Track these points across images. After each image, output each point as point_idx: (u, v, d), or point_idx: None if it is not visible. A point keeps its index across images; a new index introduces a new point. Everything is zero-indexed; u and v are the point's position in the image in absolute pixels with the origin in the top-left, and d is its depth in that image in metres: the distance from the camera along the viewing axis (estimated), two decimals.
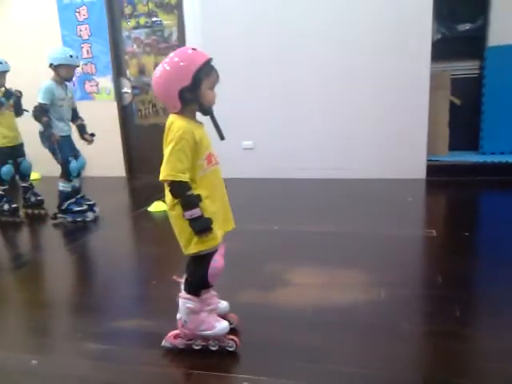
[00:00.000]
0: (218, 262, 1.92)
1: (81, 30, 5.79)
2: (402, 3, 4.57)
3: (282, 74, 5.01)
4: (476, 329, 2.15)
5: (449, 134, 5.05)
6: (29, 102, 4.14)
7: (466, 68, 5.15)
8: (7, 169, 4.29)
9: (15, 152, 4.39)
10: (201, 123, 1.94)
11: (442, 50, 4.88)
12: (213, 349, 1.99)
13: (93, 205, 4.21)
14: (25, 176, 4.52)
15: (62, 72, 3.90)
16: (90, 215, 4.12)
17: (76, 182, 4.12)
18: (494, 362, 1.83)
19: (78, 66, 4.05)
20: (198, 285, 1.96)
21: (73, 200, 4.11)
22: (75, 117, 4.13)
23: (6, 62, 4.23)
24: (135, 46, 5.77)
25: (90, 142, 4.15)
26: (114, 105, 5.90)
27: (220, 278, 2.04)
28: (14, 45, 5.94)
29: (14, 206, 4.35)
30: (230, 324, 2.13)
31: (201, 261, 1.91)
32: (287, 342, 2.05)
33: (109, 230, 3.98)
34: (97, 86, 5.90)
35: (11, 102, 4.29)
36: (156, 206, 4.21)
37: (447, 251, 3.02)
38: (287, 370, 1.85)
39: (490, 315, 2.22)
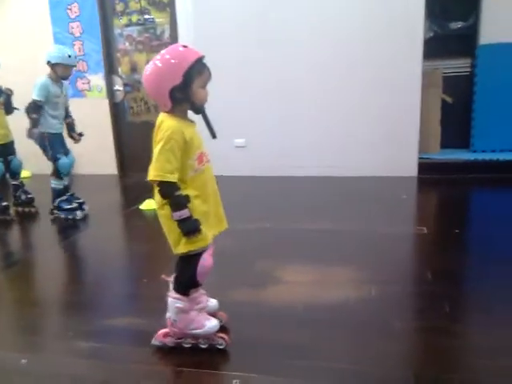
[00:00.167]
0: (206, 260, 1.90)
1: (72, 28, 5.76)
2: (394, 1, 4.58)
3: (274, 71, 5.01)
4: (466, 325, 2.16)
5: (440, 131, 5.07)
6: (20, 100, 4.11)
7: (458, 66, 5.17)
8: None
9: (6, 150, 4.35)
10: (192, 122, 1.91)
11: (434, 48, 4.91)
12: (203, 347, 1.99)
13: (82, 203, 4.20)
14: (15, 174, 4.49)
15: (59, 70, 3.89)
16: (79, 214, 4.10)
17: (65, 180, 4.10)
18: (484, 358, 1.85)
19: (74, 66, 4.04)
20: (187, 284, 1.95)
21: (64, 198, 4.10)
22: (66, 115, 4.12)
23: None
24: (127, 44, 5.74)
25: (77, 141, 4.15)
26: (106, 102, 5.87)
27: (211, 276, 2.03)
28: (4, 42, 5.92)
29: (5, 204, 4.32)
30: (220, 322, 2.13)
31: (190, 260, 1.90)
32: (278, 339, 2.05)
33: (100, 228, 3.97)
34: (88, 83, 5.87)
35: (1, 99, 4.25)
36: (147, 204, 4.19)
37: (438, 248, 3.03)
38: (278, 367, 1.85)
39: (479, 311, 2.23)
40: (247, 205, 4.26)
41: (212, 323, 1.98)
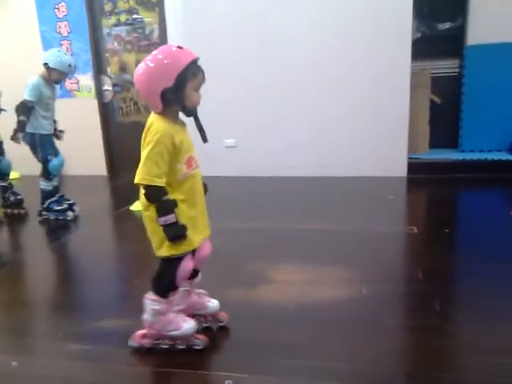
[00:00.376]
0: (187, 264, 1.89)
1: (60, 27, 5.71)
2: (382, 2, 4.60)
3: (264, 71, 5.02)
4: (456, 324, 2.18)
5: (429, 132, 5.11)
6: (5, 100, 4.08)
7: (446, 66, 5.21)
8: None
9: None
10: (183, 124, 1.89)
11: (422, 49, 4.94)
12: (180, 347, 1.98)
13: (72, 204, 4.17)
14: (4, 175, 4.46)
15: (54, 75, 3.85)
16: (70, 214, 4.08)
17: (55, 181, 4.07)
18: (475, 357, 1.87)
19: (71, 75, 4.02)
20: (167, 287, 1.93)
21: (54, 199, 4.07)
22: None
23: None
24: (116, 44, 5.71)
25: (60, 138, 4.10)
26: (95, 102, 5.83)
27: (202, 276, 2.04)
28: None
29: None
30: (221, 322, 2.15)
31: (171, 263, 1.88)
32: (270, 339, 2.05)
33: (90, 229, 3.94)
34: (77, 83, 5.83)
35: None
36: (138, 205, 4.12)
37: (428, 248, 3.05)
38: (269, 366, 1.85)
39: (470, 310, 2.25)
40: (238, 205, 4.26)
41: (189, 325, 1.97)
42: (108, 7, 5.60)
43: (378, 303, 2.35)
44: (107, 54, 5.77)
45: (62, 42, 5.71)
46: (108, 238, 3.92)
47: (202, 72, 1.80)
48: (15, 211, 4.44)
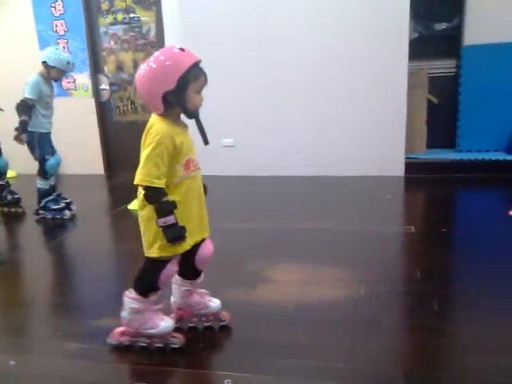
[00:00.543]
0: (170, 269, 1.89)
1: (56, 26, 5.69)
2: (379, 2, 4.61)
3: (263, 71, 5.01)
4: (454, 323, 2.18)
5: (426, 131, 5.11)
6: (3, 99, 4.06)
7: (443, 67, 5.21)
8: None
9: None
10: (185, 125, 1.89)
11: (419, 49, 4.94)
12: (158, 345, 1.99)
13: (69, 203, 4.16)
14: (1, 174, 4.43)
15: (53, 73, 3.84)
16: (67, 213, 4.07)
17: (52, 180, 4.06)
18: (473, 356, 1.87)
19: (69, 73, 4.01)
20: (147, 287, 1.93)
21: (51, 197, 4.06)
22: None
23: None
24: (113, 43, 5.69)
25: None
26: (92, 101, 5.82)
27: (204, 275, 2.04)
28: None
29: None
30: (222, 321, 2.14)
31: (156, 264, 1.88)
32: (269, 338, 2.05)
33: (88, 228, 3.93)
34: (74, 82, 5.81)
35: None
36: (135, 204, 4.14)
37: (426, 247, 3.06)
38: (269, 366, 1.85)
39: (468, 310, 2.26)
40: (236, 205, 4.25)
41: (166, 323, 1.97)
42: (105, 6, 5.59)
43: (377, 303, 2.35)
44: (104, 53, 5.76)
45: (59, 41, 5.69)
46: (105, 237, 3.91)
47: (204, 74, 1.79)
48: (12, 210, 4.42)
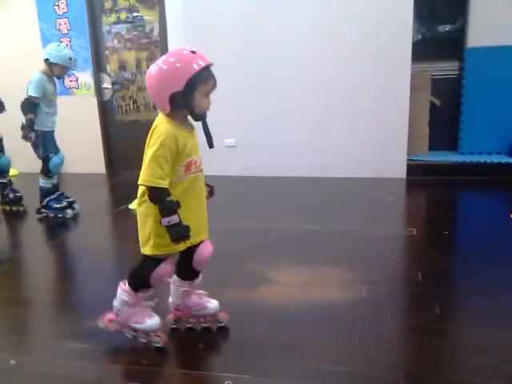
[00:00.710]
0: (163, 268, 1.89)
1: (60, 24, 5.70)
2: (383, 4, 4.61)
3: (265, 71, 5.01)
4: (455, 325, 2.17)
5: (429, 133, 5.11)
6: (6, 98, 4.06)
7: (446, 69, 5.21)
8: None
9: None
10: (192, 127, 1.89)
11: (423, 51, 4.94)
12: (142, 340, 2.02)
13: (72, 202, 4.17)
14: (3, 172, 4.43)
15: (56, 70, 3.85)
16: (69, 212, 4.07)
17: (54, 179, 4.07)
18: (474, 358, 1.86)
19: (72, 69, 4.01)
20: (139, 283, 1.95)
21: (53, 196, 4.07)
22: None
23: None
24: (116, 41, 5.70)
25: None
26: (94, 100, 5.82)
27: (203, 276, 2.03)
28: None
29: None
30: (220, 322, 2.14)
31: (150, 262, 1.89)
32: (269, 340, 2.05)
33: (89, 227, 3.94)
34: (76, 81, 5.82)
35: None
36: (136, 203, 4.16)
37: (427, 249, 3.05)
38: (269, 368, 1.85)
39: (469, 312, 2.25)
40: (237, 205, 4.25)
41: (152, 321, 1.99)
42: (108, 5, 5.59)
43: (378, 304, 2.35)
44: (107, 52, 5.76)
45: (62, 40, 5.69)
46: (107, 236, 3.91)
47: (214, 78, 1.79)
48: (14, 208, 4.42)
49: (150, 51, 5.57)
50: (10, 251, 3.59)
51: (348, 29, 4.73)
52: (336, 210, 4.00)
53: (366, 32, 4.70)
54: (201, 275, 2.09)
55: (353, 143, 4.94)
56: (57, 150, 4.03)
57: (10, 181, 4.50)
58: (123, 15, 5.58)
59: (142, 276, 1.92)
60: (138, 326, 1.99)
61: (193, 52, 1.75)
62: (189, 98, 1.75)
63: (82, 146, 5.67)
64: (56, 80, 4.01)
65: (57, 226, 3.95)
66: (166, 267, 1.90)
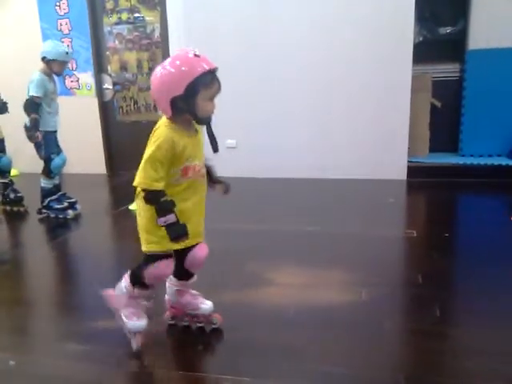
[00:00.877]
0: (156, 268, 1.87)
1: (61, 25, 5.70)
2: (384, 5, 4.61)
3: (266, 72, 5.01)
4: (456, 327, 2.17)
5: (429, 135, 5.11)
6: (8, 98, 4.06)
7: (447, 71, 5.21)
8: None
9: None
10: (195, 131, 1.88)
11: (424, 53, 4.93)
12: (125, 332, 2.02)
13: (74, 202, 4.17)
14: (4, 172, 4.43)
15: (55, 67, 3.84)
16: (70, 213, 4.07)
17: (56, 179, 4.06)
18: (474, 360, 1.86)
19: (68, 62, 4.01)
20: (134, 278, 1.95)
21: (54, 197, 4.06)
22: None
23: None
24: (117, 42, 5.70)
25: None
26: (95, 101, 5.82)
27: (201, 276, 2.03)
28: None
29: None
30: (214, 324, 2.13)
31: (147, 259, 1.89)
32: (269, 342, 2.05)
33: (90, 227, 3.94)
34: (77, 81, 5.82)
35: None
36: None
37: (427, 251, 3.05)
38: (268, 370, 1.85)
39: (469, 314, 2.25)
40: (238, 206, 4.24)
41: (138, 322, 1.98)
42: (109, 5, 5.60)
43: (378, 306, 2.35)
44: (108, 53, 5.76)
45: (63, 40, 5.69)
46: (108, 236, 3.91)
47: (218, 82, 1.77)
48: (14, 209, 4.42)
49: (151, 52, 5.57)
50: (11, 251, 3.58)
51: (349, 30, 4.73)
52: (336, 211, 4.00)
53: (367, 34, 4.70)
54: (196, 276, 2.09)
55: (353, 145, 4.94)
56: (59, 151, 4.03)
57: (11, 181, 4.50)
58: (124, 16, 5.58)
59: (138, 273, 1.92)
60: (124, 319, 1.99)
61: (196, 55, 1.73)
62: (190, 102, 1.73)
63: (82, 146, 5.66)
64: (56, 78, 4.01)
65: (57, 227, 3.95)
66: (160, 266, 1.87)
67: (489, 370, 1.79)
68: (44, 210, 4.10)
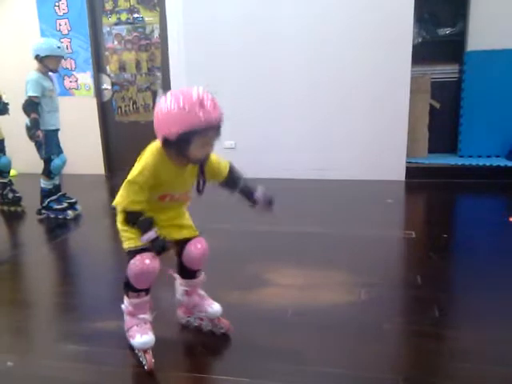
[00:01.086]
0: (135, 263, 1.82)
1: (60, 25, 5.70)
2: (383, 6, 4.61)
3: (265, 73, 5.01)
4: (455, 329, 2.17)
5: (428, 136, 5.11)
6: (8, 99, 4.06)
7: (446, 72, 5.21)
8: None
9: None
10: (186, 163, 1.82)
11: (423, 54, 4.95)
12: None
13: (74, 203, 4.16)
14: (4, 172, 4.42)
15: (50, 63, 3.81)
16: (70, 213, 4.07)
17: (56, 180, 4.06)
18: (474, 362, 1.86)
19: (63, 57, 3.98)
20: (127, 286, 1.91)
21: (54, 197, 4.06)
22: None
23: None
24: (116, 42, 5.70)
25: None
26: (94, 101, 5.82)
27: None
28: None
29: None
30: (220, 329, 2.10)
31: (129, 259, 1.87)
32: (267, 343, 2.05)
33: (89, 228, 3.93)
34: (76, 81, 5.81)
35: None
36: None
37: (426, 252, 3.05)
38: (268, 371, 1.84)
39: (468, 315, 2.26)
40: (236, 207, 4.23)
41: (144, 339, 1.89)
42: (109, 6, 5.59)
43: (377, 308, 2.34)
44: (107, 53, 5.76)
45: (62, 40, 5.67)
46: (107, 237, 3.89)
47: (218, 131, 1.70)
48: (12, 209, 4.42)
49: (150, 52, 5.57)
50: (10, 252, 3.57)
51: (348, 31, 4.73)
52: (335, 212, 4.00)
53: (366, 34, 4.70)
54: (203, 275, 2.08)
55: (352, 145, 4.95)
56: (59, 152, 4.02)
57: (10, 181, 4.49)
58: (124, 16, 5.58)
59: (126, 276, 1.88)
60: (130, 340, 1.93)
61: (201, 105, 1.61)
62: (182, 147, 1.68)
63: (81, 146, 5.65)
64: (53, 76, 4.00)
65: (57, 227, 3.94)
66: (142, 260, 1.81)
67: (488, 373, 1.79)
68: (43, 211, 4.10)
